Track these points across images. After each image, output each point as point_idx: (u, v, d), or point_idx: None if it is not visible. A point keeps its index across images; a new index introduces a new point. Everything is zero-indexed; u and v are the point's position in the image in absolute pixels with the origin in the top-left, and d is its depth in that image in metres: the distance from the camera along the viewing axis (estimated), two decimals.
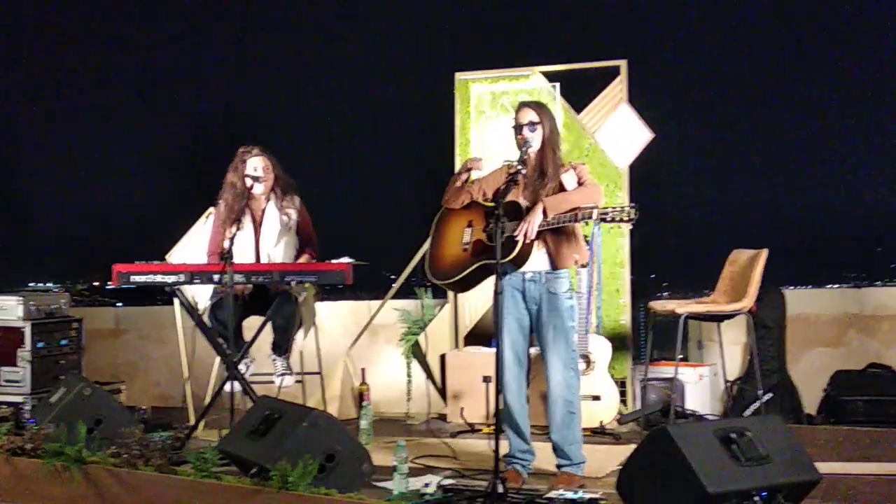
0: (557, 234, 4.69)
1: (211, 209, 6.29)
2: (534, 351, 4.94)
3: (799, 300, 6.84)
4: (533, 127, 4.76)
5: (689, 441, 3.76)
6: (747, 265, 5.93)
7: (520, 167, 4.66)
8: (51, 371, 6.76)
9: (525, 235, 4.57)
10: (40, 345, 6.76)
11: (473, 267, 4.78)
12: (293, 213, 6.02)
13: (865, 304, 6.83)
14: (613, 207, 4.50)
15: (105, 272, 5.70)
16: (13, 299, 6.78)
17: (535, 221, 4.58)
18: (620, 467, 4.12)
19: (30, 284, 7.29)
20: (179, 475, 4.27)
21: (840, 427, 6.09)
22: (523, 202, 4.69)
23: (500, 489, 4.19)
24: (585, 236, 4.98)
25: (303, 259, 5.93)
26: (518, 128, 4.79)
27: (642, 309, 6.75)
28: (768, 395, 6.34)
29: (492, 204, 4.68)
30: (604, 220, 4.47)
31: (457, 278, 4.89)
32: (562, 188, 4.70)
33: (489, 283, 4.72)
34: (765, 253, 5.88)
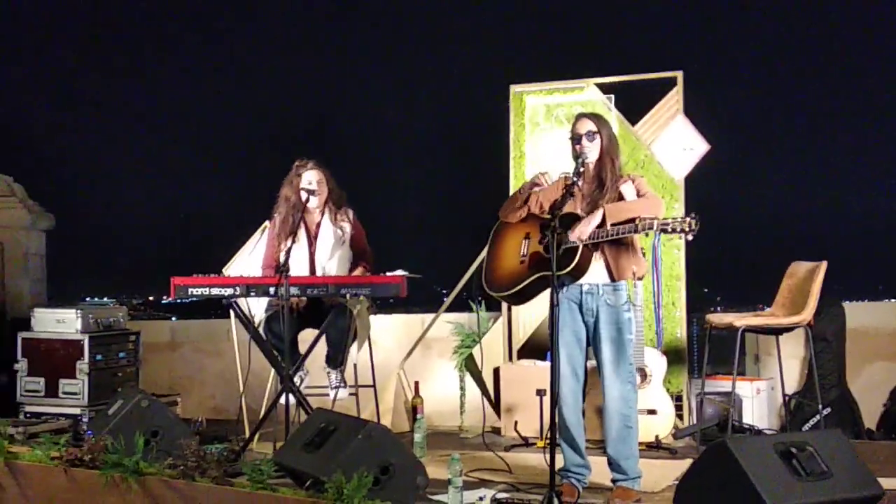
0: (616, 246, 4.66)
1: (267, 223, 6.33)
2: (590, 364, 4.91)
3: (858, 313, 6.73)
4: (591, 137, 4.74)
5: (748, 455, 3.70)
6: (806, 278, 5.84)
7: (576, 179, 4.64)
8: (109, 383, 6.85)
9: (578, 238, 4.54)
10: (98, 357, 6.85)
11: (531, 279, 4.76)
12: (347, 227, 6.04)
13: None
14: (674, 218, 4.46)
15: (160, 287, 5.76)
16: (72, 312, 6.88)
17: (591, 223, 4.56)
18: (677, 482, 4.08)
19: (86, 299, 7.39)
20: (236, 487, 4.29)
21: None
22: (581, 213, 4.67)
23: (556, 503, 4.16)
24: (642, 248, 4.94)
25: (357, 272, 5.95)
26: (576, 138, 4.77)
27: (696, 322, 6.68)
28: (827, 410, 6.23)
29: (548, 216, 4.65)
30: (664, 230, 4.43)
31: (514, 290, 4.87)
32: (620, 199, 4.67)
33: (544, 295, 4.69)
34: (824, 265, 5.79)
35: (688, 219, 4.41)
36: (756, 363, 6.99)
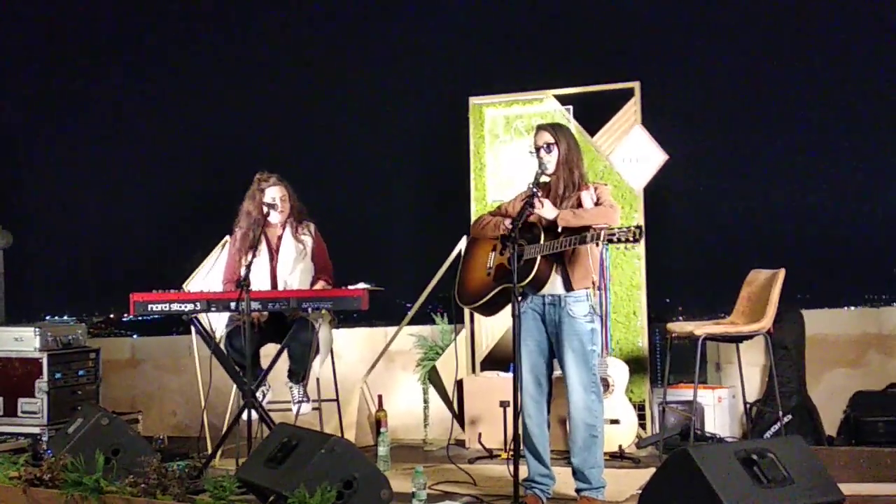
0: (571, 256, 4.69)
1: (227, 238, 6.30)
2: (555, 375, 4.92)
3: (818, 321, 6.79)
4: (549, 148, 4.77)
5: (710, 463, 3.72)
6: (765, 285, 5.90)
7: (535, 190, 4.67)
8: (68, 402, 6.76)
9: (537, 212, 4.61)
10: (58, 375, 6.77)
11: (495, 291, 4.80)
12: (309, 241, 6.03)
13: (885, 324, 6.78)
14: (619, 228, 4.50)
15: (120, 305, 5.71)
16: (30, 330, 6.79)
17: (546, 208, 4.60)
18: (640, 491, 4.09)
19: (46, 318, 7.32)
20: None
21: (861, 448, 6.03)
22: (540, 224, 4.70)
23: None
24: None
25: (318, 286, 5.92)
26: (536, 150, 4.81)
27: (657, 332, 6.72)
28: (788, 417, 6.29)
29: (511, 227, 4.68)
30: (610, 240, 4.47)
31: (481, 302, 4.92)
32: (579, 207, 4.71)
33: (508, 307, 4.72)
34: (782, 273, 5.85)
35: (633, 228, 4.46)
36: (717, 371, 7.04)
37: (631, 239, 4.43)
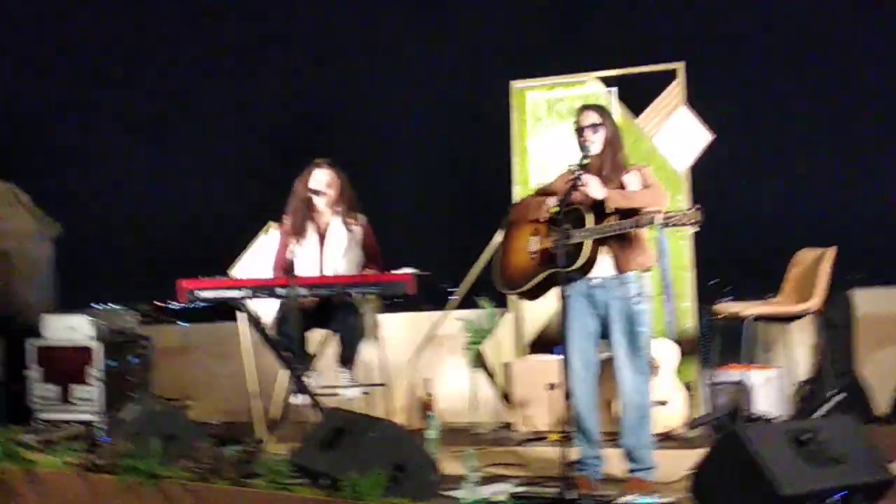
0: (621, 239, 4.67)
1: (271, 223, 6.35)
2: (604, 356, 4.92)
3: (868, 299, 6.72)
4: (595, 129, 4.76)
5: (760, 443, 3.72)
6: (813, 265, 5.86)
7: (579, 171, 4.66)
8: (121, 389, 6.87)
9: (585, 190, 4.61)
10: (111, 363, 6.87)
11: (541, 276, 4.79)
12: (358, 230, 6.05)
13: None
14: (676, 212, 4.46)
15: (166, 291, 5.77)
16: (83, 318, 6.90)
17: (592, 185, 4.61)
18: (691, 472, 4.09)
19: (92, 305, 7.43)
20: (252, 487, 4.32)
21: None
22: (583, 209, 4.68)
23: (572, 495, 4.18)
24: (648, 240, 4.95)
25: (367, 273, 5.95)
26: (580, 131, 4.79)
27: (706, 314, 6.68)
28: (839, 396, 6.23)
29: (555, 210, 4.67)
30: (666, 224, 4.43)
31: (525, 288, 4.91)
32: (622, 189, 4.69)
33: (555, 290, 4.72)
34: (832, 251, 5.80)
35: (690, 212, 4.42)
36: (765, 352, 6.98)
37: (688, 222, 4.39)
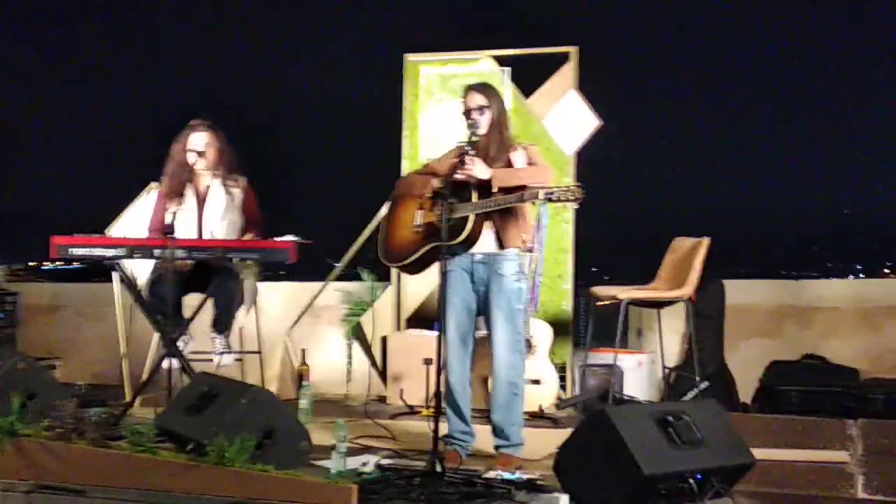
0: (505, 215, 4.70)
1: (153, 184, 6.20)
2: (479, 334, 4.95)
3: (738, 290, 6.91)
4: (482, 111, 4.78)
5: (626, 423, 3.80)
6: (689, 253, 5.99)
7: (468, 149, 4.67)
8: None
9: (469, 172, 4.60)
10: None
11: (425, 249, 4.79)
12: (238, 192, 5.94)
13: (802, 296, 6.94)
14: (559, 187, 4.51)
15: (40, 252, 5.59)
16: None
17: (477, 166, 4.59)
18: (558, 450, 4.15)
19: None
20: (114, 450, 4.21)
21: (774, 416, 6.18)
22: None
23: (439, 468, 4.20)
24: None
25: (247, 238, 5.86)
26: (466, 112, 4.80)
27: (583, 296, 6.79)
28: (705, 384, 6.40)
29: (441, 185, 4.67)
30: (549, 199, 4.47)
31: (409, 260, 4.90)
32: (509, 167, 4.72)
33: (436, 265, 4.72)
34: (706, 241, 5.95)
35: (573, 187, 4.47)
36: (638, 337, 7.14)
37: (571, 198, 4.44)
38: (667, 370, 6.59)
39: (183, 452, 4.15)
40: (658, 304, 6.11)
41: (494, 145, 4.77)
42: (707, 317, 6.66)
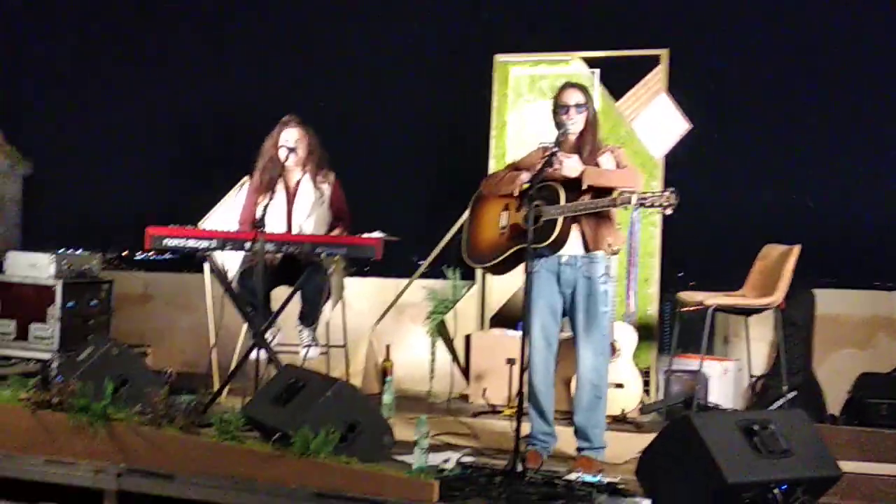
0: (594, 218, 4.68)
1: (245, 178, 6.32)
2: (563, 336, 4.94)
3: (828, 300, 6.79)
4: (580, 109, 4.76)
5: (710, 430, 3.76)
6: (779, 260, 5.90)
7: (555, 149, 4.65)
8: (80, 331, 6.82)
9: (560, 165, 4.61)
10: (70, 304, 6.82)
11: (511, 251, 4.79)
12: (327, 188, 6.03)
13: (895, 308, 6.78)
14: (653, 192, 4.47)
15: (134, 242, 5.73)
16: (46, 257, 6.84)
17: (569, 165, 4.61)
18: (640, 454, 4.13)
19: (59, 250, 7.36)
20: (202, 437, 4.31)
21: (863, 428, 6.06)
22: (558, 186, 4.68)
23: (520, 468, 4.21)
24: (619, 224, 4.96)
25: (334, 234, 5.94)
26: (563, 108, 4.77)
27: (669, 301, 6.73)
28: (793, 394, 6.30)
29: (527, 185, 4.67)
30: (643, 204, 4.44)
31: (494, 262, 4.91)
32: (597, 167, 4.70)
33: (520, 266, 4.72)
34: (797, 249, 5.84)
35: (666, 193, 4.44)
36: (725, 344, 7.05)
37: (665, 204, 4.41)
38: (753, 379, 6.50)
39: (268, 442, 4.22)
40: (746, 312, 6.02)
41: (588, 146, 4.75)
42: (796, 326, 6.56)
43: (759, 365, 6.68)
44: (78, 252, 7.30)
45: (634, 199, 4.45)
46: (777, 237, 6.23)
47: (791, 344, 6.47)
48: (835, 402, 6.53)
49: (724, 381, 6.46)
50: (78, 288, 6.94)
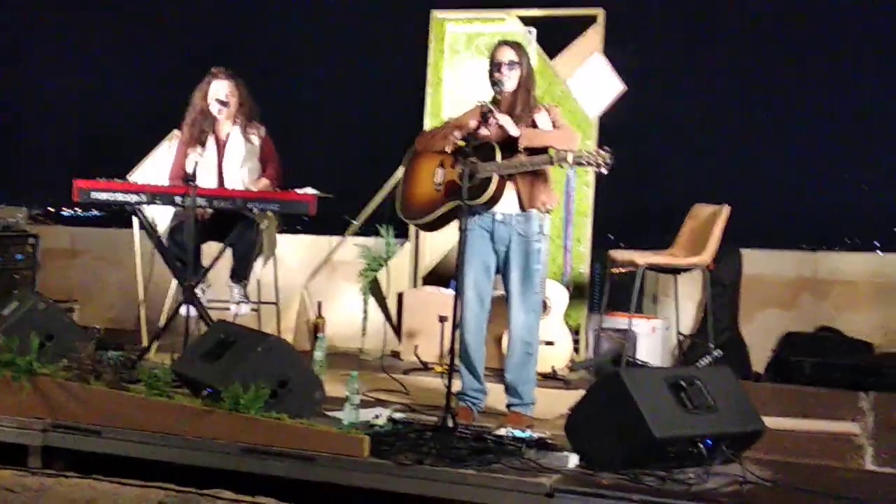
0: (529, 176, 4.69)
1: (174, 131, 6.21)
2: (496, 294, 4.96)
3: (755, 260, 6.91)
4: (512, 66, 4.74)
5: (639, 386, 3.82)
6: (708, 220, 5.98)
7: (490, 107, 4.65)
8: (5, 285, 6.70)
9: (498, 127, 4.62)
10: None
11: (446, 207, 4.78)
12: (257, 140, 5.96)
13: (819, 269, 6.92)
14: (589, 152, 4.50)
15: (61, 198, 5.62)
16: None
17: (508, 124, 4.61)
18: (570, 410, 4.17)
19: None
20: (131, 393, 4.27)
21: (786, 386, 6.21)
22: (493, 141, 4.68)
23: (450, 424, 4.23)
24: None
25: (262, 183, 5.87)
26: (496, 66, 4.76)
27: (599, 259, 6.78)
28: (718, 352, 6.41)
29: (463, 143, 4.66)
30: (578, 163, 4.46)
31: (428, 219, 4.90)
32: (534, 128, 4.70)
33: (455, 223, 4.72)
34: (726, 209, 5.93)
35: (602, 152, 4.46)
36: (654, 303, 7.14)
37: (601, 163, 4.43)
38: (681, 337, 6.60)
39: (198, 398, 4.20)
40: (675, 271, 6.10)
41: (521, 104, 4.75)
42: (723, 285, 6.67)
43: (687, 324, 6.79)
44: (1, 205, 7.13)
45: (570, 157, 4.47)
46: (707, 198, 6.31)
47: (718, 303, 6.57)
48: (760, 360, 6.67)
49: (653, 340, 6.55)
50: (2, 242, 6.79)
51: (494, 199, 4.65)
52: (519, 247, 4.73)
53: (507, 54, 4.78)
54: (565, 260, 6.51)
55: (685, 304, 6.71)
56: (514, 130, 4.61)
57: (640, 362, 6.39)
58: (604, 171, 4.51)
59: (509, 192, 4.71)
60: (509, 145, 4.65)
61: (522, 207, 4.73)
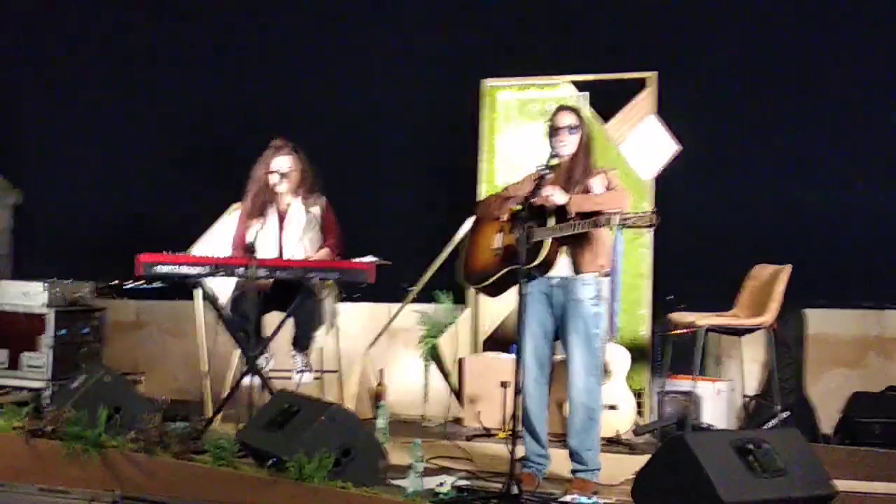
0: (579, 240, 4.70)
1: (235, 204, 6.32)
2: (557, 358, 4.95)
3: (819, 320, 6.82)
4: (573, 130, 4.79)
5: (705, 449, 3.77)
6: (769, 281, 5.93)
7: (546, 172, 4.68)
8: (72, 359, 6.80)
9: (546, 199, 4.61)
10: (62, 332, 6.80)
11: (503, 271, 4.81)
12: (317, 211, 6.05)
13: (886, 327, 6.80)
14: (634, 213, 4.50)
15: (126, 270, 5.72)
16: (38, 285, 6.83)
17: (556, 194, 4.62)
18: (635, 476, 4.13)
19: (47, 276, 7.36)
20: (197, 463, 4.30)
21: (856, 448, 6.08)
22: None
23: (515, 491, 4.20)
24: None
25: (322, 252, 5.94)
26: (556, 130, 4.80)
27: (660, 321, 6.74)
28: (785, 413, 6.31)
29: (519, 207, 4.69)
30: (624, 225, 4.47)
31: (488, 282, 4.94)
32: (588, 192, 4.72)
33: (514, 288, 4.74)
34: (788, 269, 5.88)
35: (649, 213, 4.46)
36: (717, 365, 7.06)
37: (647, 224, 4.43)
38: (746, 398, 6.51)
39: (263, 468, 4.22)
40: (738, 332, 6.04)
41: (580, 168, 4.78)
42: (788, 346, 6.58)
43: (752, 385, 6.70)
44: (69, 281, 7.27)
45: (616, 219, 4.48)
46: (768, 257, 6.26)
47: (783, 364, 6.48)
48: (827, 421, 6.55)
49: (718, 402, 6.47)
50: (70, 316, 6.93)
51: (548, 262, 4.68)
52: (575, 311, 4.73)
53: (567, 119, 4.82)
54: (612, 322, 6.46)
55: (749, 365, 6.64)
56: (560, 199, 4.63)
57: (704, 425, 6.30)
58: (648, 231, 4.51)
59: (564, 256, 4.73)
60: (563, 211, 4.67)
61: (577, 271, 4.74)
